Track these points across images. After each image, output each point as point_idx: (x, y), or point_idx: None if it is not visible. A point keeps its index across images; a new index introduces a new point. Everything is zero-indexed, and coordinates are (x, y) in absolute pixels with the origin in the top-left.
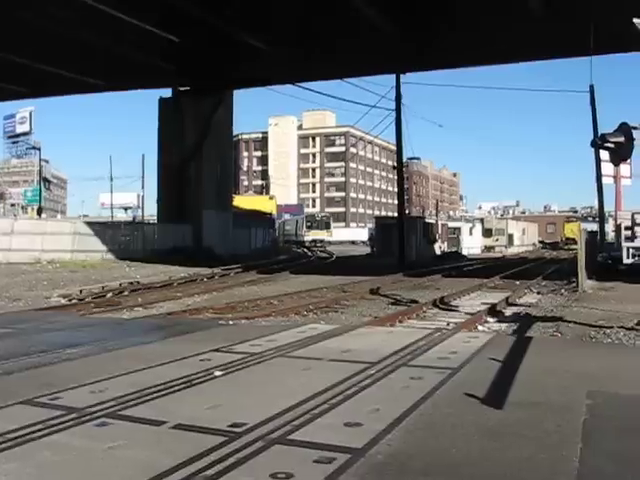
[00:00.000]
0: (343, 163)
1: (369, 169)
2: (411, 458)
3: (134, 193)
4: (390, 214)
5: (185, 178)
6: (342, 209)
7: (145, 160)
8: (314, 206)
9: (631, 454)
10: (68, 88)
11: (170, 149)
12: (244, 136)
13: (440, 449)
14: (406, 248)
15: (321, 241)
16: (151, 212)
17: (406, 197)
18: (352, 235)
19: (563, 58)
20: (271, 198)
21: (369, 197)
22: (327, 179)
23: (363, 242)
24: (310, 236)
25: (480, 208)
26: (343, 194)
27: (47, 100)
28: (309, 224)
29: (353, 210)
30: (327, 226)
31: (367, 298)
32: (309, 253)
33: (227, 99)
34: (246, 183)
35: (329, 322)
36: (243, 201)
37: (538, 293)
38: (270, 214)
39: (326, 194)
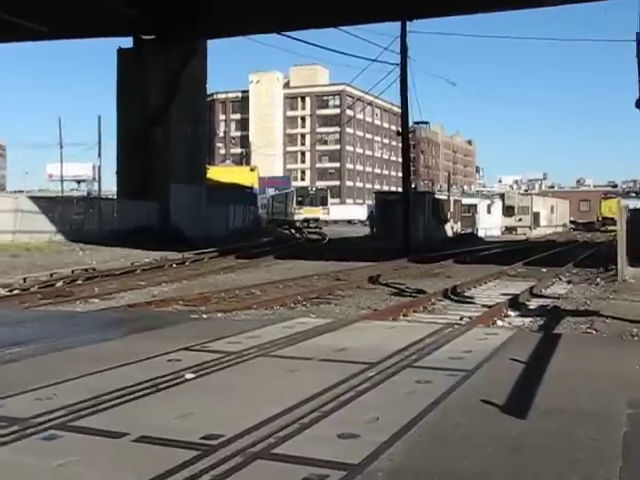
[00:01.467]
0: (338, 128)
1: (368, 135)
2: (417, 475)
3: (89, 163)
4: (393, 189)
5: (150, 145)
6: (336, 182)
7: (103, 123)
8: (303, 179)
9: None
10: (2, 34)
11: (132, 111)
12: (220, 96)
13: (450, 465)
14: (412, 229)
15: (315, 220)
16: (110, 186)
17: (412, 169)
18: (348, 213)
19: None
20: (252, 169)
21: (368, 168)
22: (319, 147)
23: (361, 222)
24: (302, 214)
25: (500, 182)
26: (338, 165)
27: None
28: (300, 200)
29: (349, 184)
30: (323, 202)
31: (365, 287)
32: (298, 235)
33: (200, 51)
34: (223, 151)
35: (320, 315)
36: (219, 173)
37: (569, 282)
38: (251, 188)
39: (317, 165)
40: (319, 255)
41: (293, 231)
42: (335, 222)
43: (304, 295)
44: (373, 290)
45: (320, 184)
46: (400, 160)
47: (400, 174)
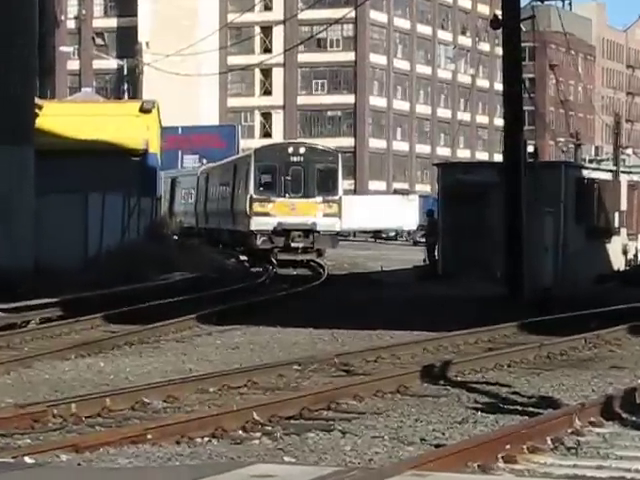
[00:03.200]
0: (350, 9)
1: (423, 29)
2: None
3: None
4: (482, 157)
5: None
6: (347, 140)
7: None
8: (268, 133)
9: None
10: None
11: None
12: None
13: None
14: (530, 253)
15: (306, 232)
16: None
17: (528, 108)
18: (375, 214)
19: None
20: (146, 110)
21: (422, 108)
22: (304, 57)
23: (408, 235)
24: (270, 216)
25: None
26: (351, 99)
27: None
28: (267, 180)
29: (377, 145)
30: (326, 185)
31: (413, 392)
32: (256, 268)
33: None
34: (75, 66)
35: (307, 458)
36: (67, 118)
37: None
38: (144, 153)
39: (302, 100)
40: (304, 314)
41: (243, 257)
42: (345, 236)
43: (268, 412)
44: (434, 398)
45: (308, 142)
46: (499, 87)
47: (499, 121)
